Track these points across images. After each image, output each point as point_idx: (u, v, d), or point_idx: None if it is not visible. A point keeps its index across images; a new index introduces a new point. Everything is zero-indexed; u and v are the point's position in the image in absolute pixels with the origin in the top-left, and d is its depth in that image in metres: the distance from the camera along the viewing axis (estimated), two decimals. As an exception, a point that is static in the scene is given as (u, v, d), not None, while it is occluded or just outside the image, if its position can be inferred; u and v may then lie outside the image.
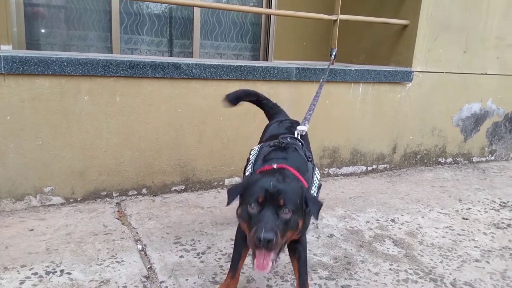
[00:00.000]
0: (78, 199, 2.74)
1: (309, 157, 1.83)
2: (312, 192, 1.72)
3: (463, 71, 3.92)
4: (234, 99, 2.42)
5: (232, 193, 1.59)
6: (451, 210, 3.01)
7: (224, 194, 3.06)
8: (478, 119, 4.17)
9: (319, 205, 1.58)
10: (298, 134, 1.99)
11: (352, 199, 3.11)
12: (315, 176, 1.81)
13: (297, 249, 1.74)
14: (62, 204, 2.70)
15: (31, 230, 2.34)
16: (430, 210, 2.98)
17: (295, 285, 1.80)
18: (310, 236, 2.47)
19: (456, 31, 3.78)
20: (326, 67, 3.28)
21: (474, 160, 4.30)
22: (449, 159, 4.14)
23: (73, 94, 2.58)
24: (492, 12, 3.90)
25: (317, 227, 2.60)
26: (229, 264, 2.01)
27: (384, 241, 2.47)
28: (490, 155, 4.40)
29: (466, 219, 2.88)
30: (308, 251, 2.26)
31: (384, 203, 3.07)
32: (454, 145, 4.12)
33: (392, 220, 2.77)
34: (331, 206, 2.94)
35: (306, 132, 2.08)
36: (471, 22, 3.83)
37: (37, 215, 2.54)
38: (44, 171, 2.60)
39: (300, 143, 1.90)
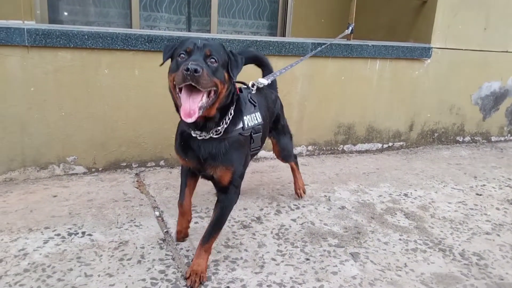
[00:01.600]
0: (100, 169, 2.86)
1: (253, 103, 1.94)
2: (246, 118, 1.83)
3: (483, 48, 3.85)
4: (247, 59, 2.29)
5: (166, 50, 1.71)
6: (465, 186, 3.02)
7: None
8: (497, 98, 4.10)
9: (240, 63, 1.71)
10: (256, 85, 2.10)
11: (366, 174, 3.14)
12: (255, 114, 1.91)
13: (219, 201, 1.82)
14: (84, 173, 2.82)
15: (55, 196, 2.47)
16: (444, 186, 2.99)
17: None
18: (321, 208, 2.52)
19: (476, 8, 3.71)
20: (343, 41, 3.28)
21: (492, 140, 4.25)
22: (467, 138, 4.10)
23: (94, 67, 2.66)
24: (515, -13, 3.80)
25: (329, 200, 2.65)
26: (241, 230, 2.11)
27: (396, 214, 2.51)
28: (509, 134, 4.33)
29: (480, 194, 2.88)
30: (319, 221, 2.34)
31: (398, 178, 3.09)
32: (472, 123, 4.07)
33: (405, 195, 2.80)
34: (344, 181, 2.98)
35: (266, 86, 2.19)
36: (493, -2, 3.74)
37: (60, 183, 2.66)
38: (67, 141, 2.72)
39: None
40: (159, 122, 2.92)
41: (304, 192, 2.65)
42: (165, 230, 2.15)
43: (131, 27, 4.02)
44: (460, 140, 4.07)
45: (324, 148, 3.52)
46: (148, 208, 2.38)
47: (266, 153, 3.26)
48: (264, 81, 2.17)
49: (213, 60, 1.57)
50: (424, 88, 3.71)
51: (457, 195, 2.84)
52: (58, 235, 2.04)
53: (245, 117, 1.83)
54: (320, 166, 3.26)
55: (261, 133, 1.97)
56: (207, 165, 1.76)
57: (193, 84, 1.48)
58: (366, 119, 3.59)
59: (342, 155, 3.57)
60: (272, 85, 2.42)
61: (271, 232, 2.19)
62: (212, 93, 1.59)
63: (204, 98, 1.56)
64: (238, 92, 1.86)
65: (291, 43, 3.10)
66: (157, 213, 2.33)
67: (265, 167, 3.17)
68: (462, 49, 3.76)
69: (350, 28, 3.35)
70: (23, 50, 2.47)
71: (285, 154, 2.48)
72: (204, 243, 1.79)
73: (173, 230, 2.14)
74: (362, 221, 2.39)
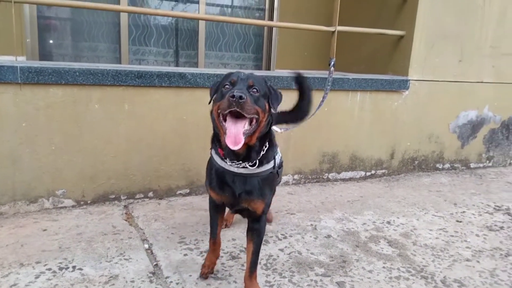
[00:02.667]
0: (88, 202, 2.89)
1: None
2: (277, 156, 1.92)
3: (458, 79, 4.05)
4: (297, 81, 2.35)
5: (213, 89, 1.83)
6: (446, 213, 3.12)
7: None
8: (475, 126, 4.28)
9: (279, 97, 1.83)
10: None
11: (350, 202, 3.23)
12: (278, 149, 1.99)
13: (257, 222, 1.89)
14: (73, 206, 2.85)
15: (44, 230, 2.49)
16: (425, 213, 3.09)
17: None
18: (308, 237, 2.59)
19: (451, 40, 3.92)
20: (326, 76, 3.43)
21: (471, 166, 4.41)
22: (447, 165, 4.25)
23: (85, 102, 2.74)
24: (486, 21, 4.03)
25: (315, 228, 2.72)
26: (230, 262, 2.17)
27: (379, 242, 2.59)
28: (487, 161, 4.50)
29: (460, 221, 2.99)
30: (306, 250, 2.40)
31: (381, 206, 3.18)
32: (451, 151, 4.23)
33: (388, 222, 2.89)
34: (329, 209, 3.06)
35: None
36: (466, 31, 3.96)
37: (49, 216, 2.68)
38: (57, 175, 2.76)
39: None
40: (148, 154, 2.98)
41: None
42: (154, 263, 2.18)
43: (120, 61, 4.13)
44: (440, 167, 4.22)
45: (310, 177, 3.62)
46: (137, 240, 2.42)
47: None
48: (277, 129, 2.30)
49: (255, 90, 1.68)
50: (403, 118, 3.87)
51: (438, 222, 2.94)
52: (49, 269, 2.06)
53: (276, 156, 1.92)
54: (306, 195, 3.34)
55: (282, 168, 2.08)
56: (242, 199, 1.83)
57: (238, 109, 1.57)
58: (350, 148, 3.71)
59: (327, 183, 3.67)
60: None
61: (260, 263, 2.24)
62: (254, 121, 1.68)
63: (247, 126, 1.65)
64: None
65: (276, 77, 3.23)
66: (146, 246, 2.37)
67: None
68: (438, 81, 3.95)
69: (332, 62, 3.51)
70: (15, 87, 2.54)
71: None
72: (253, 271, 1.90)
73: (162, 263, 2.18)
74: (347, 249, 2.46)
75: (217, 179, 1.86)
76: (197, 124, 3.07)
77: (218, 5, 4.57)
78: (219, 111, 1.66)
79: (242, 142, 1.61)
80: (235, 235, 2.56)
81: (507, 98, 4.39)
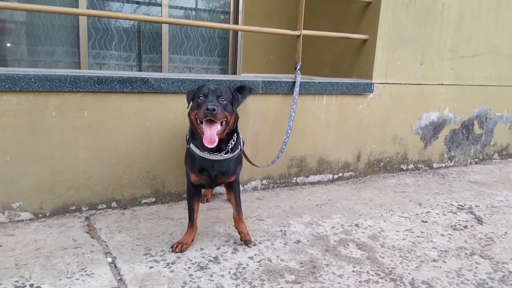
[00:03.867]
0: (47, 214, 2.74)
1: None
2: (240, 143, 2.52)
3: (420, 82, 4.15)
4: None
5: (189, 95, 2.36)
6: (411, 214, 3.17)
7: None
8: (436, 127, 4.40)
9: (240, 99, 2.41)
10: None
11: (319, 206, 3.23)
12: (241, 138, 2.55)
13: (233, 186, 2.50)
14: (31, 219, 2.70)
15: (0, 246, 2.34)
16: (391, 215, 3.13)
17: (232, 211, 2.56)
18: (278, 243, 2.56)
19: (412, 45, 4.01)
20: (291, 79, 3.42)
21: (434, 166, 4.52)
22: (411, 166, 4.34)
23: (41, 109, 2.60)
24: (445, 26, 4.16)
25: (285, 234, 2.69)
26: (198, 273, 2.10)
27: (348, 245, 2.59)
28: (449, 161, 4.63)
29: (425, 222, 3.04)
30: (276, 257, 2.37)
31: (349, 209, 3.20)
32: (414, 152, 4.32)
33: (356, 225, 2.90)
34: (298, 214, 3.04)
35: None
36: (426, 35, 4.07)
37: (5, 231, 2.52)
38: (12, 186, 2.60)
39: None
40: (110, 163, 2.87)
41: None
42: (118, 278, 2.09)
43: (79, 66, 3.97)
44: (404, 168, 4.30)
45: (278, 181, 3.59)
46: (100, 254, 2.31)
47: (222, 189, 3.28)
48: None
49: (223, 99, 2.23)
50: (368, 121, 3.92)
51: (404, 223, 2.99)
52: (3, 290, 1.93)
53: (241, 140, 2.52)
54: (275, 200, 3.31)
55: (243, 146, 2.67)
56: (218, 178, 2.40)
57: (211, 118, 2.11)
58: (317, 152, 3.71)
59: (296, 187, 3.66)
60: None
61: (229, 273, 2.18)
62: (224, 122, 2.23)
63: (219, 127, 2.20)
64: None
65: (242, 81, 3.19)
66: (109, 259, 2.26)
67: (221, 204, 3.18)
68: (401, 83, 4.03)
69: (298, 66, 3.50)
70: (-37, 94, 2.38)
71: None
72: (239, 211, 2.53)
73: (127, 277, 2.09)
74: (317, 254, 2.45)
75: (198, 165, 2.37)
76: (161, 130, 2.98)
77: (181, 8, 4.49)
78: (197, 117, 2.20)
79: (216, 141, 2.16)
80: (203, 244, 2.49)
81: (466, 99, 4.54)
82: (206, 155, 2.32)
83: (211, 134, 2.15)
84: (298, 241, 2.60)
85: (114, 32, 4.15)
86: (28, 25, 3.81)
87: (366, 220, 3.00)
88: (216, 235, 2.63)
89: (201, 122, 2.20)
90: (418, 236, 2.78)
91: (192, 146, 2.39)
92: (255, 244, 2.53)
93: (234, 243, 2.54)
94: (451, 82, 4.37)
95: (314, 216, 3.02)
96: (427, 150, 4.41)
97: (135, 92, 2.85)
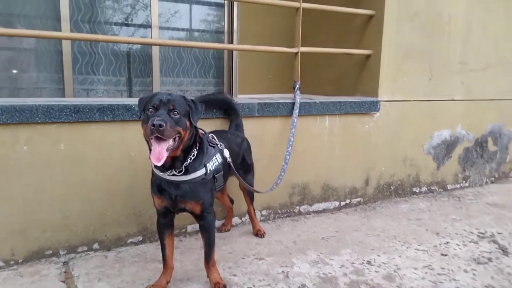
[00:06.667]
0: (20, 261, 2.44)
1: (212, 145, 2.30)
2: (209, 164, 2.16)
3: (429, 98, 3.87)
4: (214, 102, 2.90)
5: (140, 105, 2.03)
6: (429, 246, 2.84)
7: (186, 242, 2.81)
8: (449, 146, 4.09)
9: (199, 110, 2.05)
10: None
11: (325, 239, 2.91)
12: (215, 157, 2.24)
13: (201, 220, 2.18)
14: (0, 268, 2.39)
15: (-41, 303, 2.04)
16: (407, 248, 2.80)
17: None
18: (279, 288, 2.24)
19: (419, 59, 3.74)
20: (291, 100, 3.15)
21: (448, 188, 4.19)
22: (424, 188, 4.02)
23: (10, 144, 2.33)
24: (453, 38, 3.90)
25: (287, 277, 2.37)
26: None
27: (360, 288, 2.26)
28: (464, 181, 4.30)
29: (445, 255, 2.71)
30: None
31: (359, 242, 2.87)
32: (427, 173, 4.01)
33: (368, 262, 2.57)
34: (302, 250, 2.72)
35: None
36: (433, 48, 3.80)
37: (-32, 283, 2.22)
38: (-23, 232, 2.31)
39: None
40: (91, 199, 2.58)
41: (263, 233, 2.94)
42: None
43: (64, 93, 3.72)
44: (417, 191, 3.98)
45: (280, 211, 3.28)
46: (74, 310, 2.00)
47: (217, 222, 2.97)
48: (227, 154, 2.39)
49: (176, 113, 1.91)
50: (375, 141, 3.62)
51: (422, 258, 2.65)
52: None
53: (208, 164, 2.14)
54: (276, 233, 3.00)
55: (222, 172, 2.29)
56: (178, 201, 2.09)
57: (159, 135, 1.82)
58: (321, 177, 3.41)
59: (299, 217, 3.34)
60: (239, 127, 2.88)
61: (221, 330, 1.86)
62: (177, 138, 1.93)
63: (171, 142, 1.90)
64: (201, 135, 2.16)
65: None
66: (84, 316, 1.95)
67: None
68: (409, 100, 3.74)
69: (297, 86, 3.24)
70: None
71: (249, 190, 2.80)
72: (209, 261, 2.22)
73: None
74: (324, 302, 2.12)
75: (156, 185, 2.12)
76: (147, 160, 2.67)
77: (173, 29, 4.26)
78: (145, 133, 1.91)
79: (164, 159, 1.87)
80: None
81: (477, 115, 4.24)
82: (159, 173, 2.06)
83: (160, 150, 1.86)
84: (303, 286, 2.28)
85: (102, 56, 3.92)
86: (6, 50, 3.57)
87: (379, 255, 2.67)
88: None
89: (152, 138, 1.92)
90: (439, 274, 2.45)
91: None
92: (253, 291, 2.21)
93: (229, 290, 2.22)
94: (462, 97, 4.08)
95: (321, 252, 2.70)
96: (440, 171, 4.09)
97: (117, 121, 2.58)
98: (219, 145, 2.32)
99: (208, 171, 2.14)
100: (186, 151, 2.05)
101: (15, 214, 2.39)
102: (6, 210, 2.36)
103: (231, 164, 2.41)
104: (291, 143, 2.97)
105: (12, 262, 2.42)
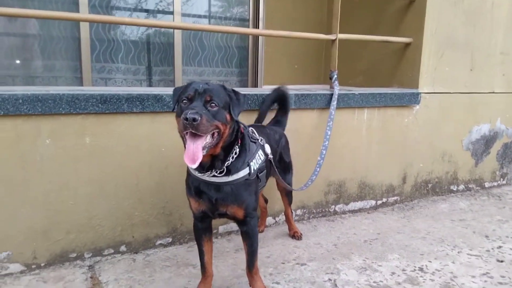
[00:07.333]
0: (42, 265, 2.23)
1: (255, 140, 2.02)
2: (252, 162, 1.90)
3: (470, 90, 3.62)
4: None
5: (174, 95, 1.81)
6: (481, 250, 2.62)
7: (218, 244, 2.60)
8: (488, 141, 3.85)
9: (241, 102, 1.79)
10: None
11: (368, 242, 2.69)
12: (257, 154, 1.98)
13: (243, 225, 1.92)
14: (22, 272, 2.19)
15: (-22, 314, 1.83)
16: (458, 252, 2.58)
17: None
18: (329, 299, 2.02)
19: (461, 48, 3.49)
20: (327, 92, 2.91)
21: (486, 186, 3.96)
22: (461, 186, 3.78)
23: (32, 137, 2.11)
24: (496, 27, 3.64)
25: (336, 285, 2.15)
26: None
27: (419, 300, 2.04)
28: (501, 179, 4.07)
29: (502, 261, 2.48)
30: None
31: (405, 246, 2.65)
32: (465, 170, 3.77)
33: (421, 269, 2.35)
34: (346, 254, 2.50)
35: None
36: (475, 38, 3.55)
37: (-13, 290, 2.02)
38: (-3, 233, 2.10)
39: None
40: (118, 198, 2.36)
41: (300, 234, 2.73)
42: None
43: (81, 81, 3.50)
44: (454, 189, 3.75)
45: (315, 211, 3.06)
46: (107, 323, 1.79)
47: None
48: (268, 150, 2.13)
49: (214, 105, 1.66)
50: (414, 136, 3.39)
51: (477, 264, 2.43)
52: None
53: (251, 163, 1.89)
54: (314, 235, 2.78)
55: (265, 171, 2.06)
56: (219, 205, 1.84)
57: (193, 131, 1.57)
58: (358, 174, 3.18)
59: (335, 217, 3.12)
60: (279, 123, 2.64)
61: None
62: (216, 134, 1.68)
63: (208, 139, 1.65)
64: (242, 130, 1.90)
65: (265, 95, 2.68)
66: (119, 331, 1.74)
67: (270, 239, 2.67)
68: (450, 92, 3.50)
69: (334, 75, 3.00)
70: None
71: (288, 190, 2.59)
72: (252, 269, 1.99)
73: None
74: (382, 315, 1.91)
75: (194, 187, 1.87)
76: (178, 156, 2.46)
77: (195, 16, 4.02)
78: (179, 128, 1.66)
79: (199, 160, 1.61)
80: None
81: (517, 109, 3.99)
82: (197, 174, 1.81)
83: (194, 149, 1.61)
84: (355, 296, 2.06)
85: (121, 43, 3.69)
86: (23, 37, 3.35)
87: (430, 261, 2.45)
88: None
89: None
90: (500, 283, 2.22)
91: None
92: (301, 302, 2.00)
93: (274, 300, 2.01)
94: (503, 89, 3.83)
95: (366, 257, 2.48)
96: (478, 168, 3.85)
97: (147, 112, 2.35)
98: (259, 140, 2.05)
99: (252, 171, 1.89)
100: (227, 149, 1.80)
101: (37, 214, 2.18)
102: (27, 210, 2.15)
103: (272, 161, 2.18)
104: (328, 137, 2.74)
105: (34, 266, 2.22)
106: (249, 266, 2.00)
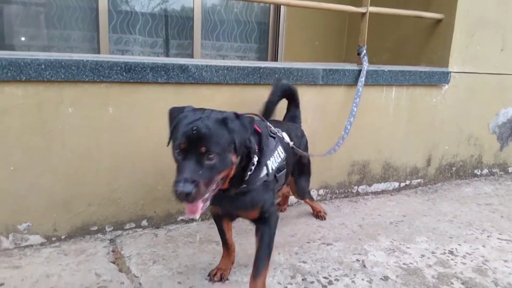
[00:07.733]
0: (62, 237, 2.18)
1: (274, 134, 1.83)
2: (269, 162, 1.70)
3: (500, 71, 3.47)
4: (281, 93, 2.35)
5: (169, 123, 1.54)
6: (511, 235, 2.54)
7: (240, 222, 2.52)
8: (514, 125, 3.73)
9: (247, 130, 1.49)
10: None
11: (394, 224, 2.61)
12: (277, 151, 1.79)
13: (259, 230, 1.72)
14: (42, 244, 2.14)
15: (1, 284, 1.78)
16: (488, 236, 2.50)
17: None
18: (359, 280, 1.95)
19: (492, 27, 3.33)
20: (356, 67, 2.80)
21: (510, 171, 3.85)
22: (485, 171, 3.68)
23: (54, 105, 2.02)
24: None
25: (365, 266, 2.08)
26: None
27: (452, 283, 1.97)
28: (525, 164, 3.96)
29: (534, 247, 2.40)
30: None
31: (432, 228, 2.57)
32: (490, 154, 3.66)
33: (451, 252, 2.27)
34: (372, 235, 2.43)
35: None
36: (506, 14, 3.39)
37: (9, 261, 1.97)
38: (18, 204, 2.04)
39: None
40: (140, 171, 2.29)
41: (325, 214, 2.66)
42: None
43: (98, 52, 3.40)
44: (478, 173, 3.65)
45: (337, 191, 2.98)
46: (133, 298, 1.74)
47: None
48: (287, 139, 1.98)
49: (211, 157, 1.38)
50: (442, 117, 3.27)
51: (509, 249, 2.35)
52: None
53: (269, 162, 1.70)
54: (337, 215, 2.71)
55: (285, 170, 1.87)
56: (239, 211, 1.74)
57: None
58: (382, 155, 3.09)
59: (357, 198, 3.04)
60: (295, 119, 2.43)
61: (309, 331, 1.59)
62: (219, 181, 1.46)
63: (214, 185, 1.43)
64: (259, 131, 1.68)
65: (300, 69, 2.58)
66: (145, 306, 1.69)
67: (293, 217, 2.61)
68: (479, 73, 3.36)
69: (363, 51, 2.88)
70: (-47, 85, 1.81)
71: (301, 193, 2.45)
72: (257, 276, 1.67)
73: None
74: (415, 298, 1.84)
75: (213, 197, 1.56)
76: (202, 130, 2.38)
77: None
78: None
79: (200, 212, 1.42)
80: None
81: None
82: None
83: (195, 207, 1.42)
84: (386, 278, 1.99)
85: (139, 15, 3.57)
86: (38, 6, 3.24)
87: (460, 244, 2.37)
88: (277, 268, 2.03)
89: None
90: (535, 269, 2.15)
91: None
92: (330, 282, 1.93)
93: (303, 279, 1.94)
94: (532, 71, 3.68)
95: (393, 239, 2.41)
96: (503, 152, 3.74)
97: (172, 83, 2.26)
98: (278, 132, 1.85)
99: (270, 171, 1.69)
100: (240, 173, 1.57)
101: (58, 185, 2.11)
102: (48, 181, 2.08)
103: (295, 148, 2.02)
104: (353, 113, 2.64)
105: (54, 239, 2.16)
106: (255, 272, 1.68)
